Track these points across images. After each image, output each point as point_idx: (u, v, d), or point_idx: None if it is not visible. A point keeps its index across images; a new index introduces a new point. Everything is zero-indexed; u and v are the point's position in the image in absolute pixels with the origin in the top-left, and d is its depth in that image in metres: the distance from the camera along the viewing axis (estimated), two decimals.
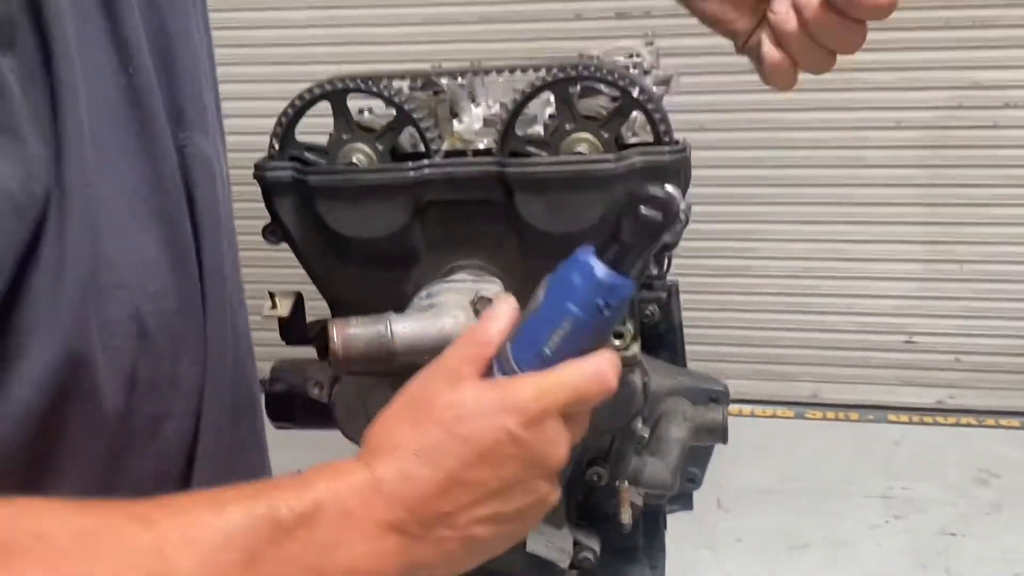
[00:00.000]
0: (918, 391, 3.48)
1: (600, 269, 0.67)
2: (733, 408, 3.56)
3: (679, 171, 0.81)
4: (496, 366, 0.69)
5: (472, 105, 1.11)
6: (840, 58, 0.82)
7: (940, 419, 3.48)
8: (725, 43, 0.85)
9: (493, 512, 0.66)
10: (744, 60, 0.85)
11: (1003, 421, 3.46)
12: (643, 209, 0.65)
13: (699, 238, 3.30)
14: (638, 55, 1.13)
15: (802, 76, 0.83)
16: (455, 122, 1.07)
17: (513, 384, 0.67)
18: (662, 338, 1.24)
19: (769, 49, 0.81)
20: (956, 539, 2.86)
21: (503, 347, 0.69)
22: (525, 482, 0.67)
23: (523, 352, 0.68)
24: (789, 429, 3.50)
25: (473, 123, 1.07)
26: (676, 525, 1.36)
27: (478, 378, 0.68)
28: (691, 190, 0.82)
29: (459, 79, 1.06)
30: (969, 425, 3.46)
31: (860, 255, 3.41)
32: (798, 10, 0.78)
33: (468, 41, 3.23)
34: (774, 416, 3.58)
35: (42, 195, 0.64)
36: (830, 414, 3.56)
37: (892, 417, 3.50)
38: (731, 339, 3.52)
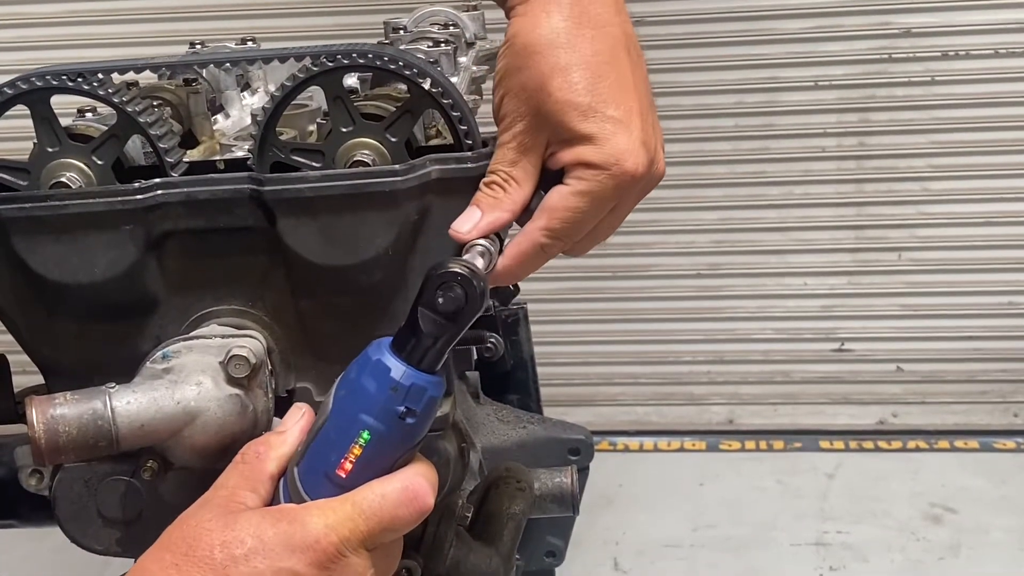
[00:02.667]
0: (854, 410, 3.56)
1: (397, 369, 0.67)
2: (632, 442, 3.62)
3: None
4: (282, 492, 0.69)
5: (245, 95, 1.10)
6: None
7: (882, 443, 3.57)
8: None
9: None
10: None
11: (958, 442, 3.55)
12: (439, 297, 0.66)
13: None
14: (455, 24, 1.13)
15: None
16: (220, 117, 1.05)
17: (300, 515, 0.67)
18: (509, 376, 1.24)
19: None
20: None
21: (290, 468, 0.69)
22: None
23: (313, 475, 0.69)
24: (700, 464, 3.55)
25: (244, 118, 1.06)
26: None
27: (258, 508, 0.68)
28: None
29: (227, 69, 1.04)
30: (918, 449, 3.54)
31: (776, 246, 3.48)
32: None
33: (242, 15, 3.20)
34: (681, 449, 3.62)
35: None
36: (749, 444, 3.62)
37: (824, 444, 3.57)
38: (623, 356, 3.55)
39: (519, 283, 1.10)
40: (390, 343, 0.68)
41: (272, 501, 0.69)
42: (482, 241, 0.70)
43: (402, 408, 0.67)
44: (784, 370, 3.56)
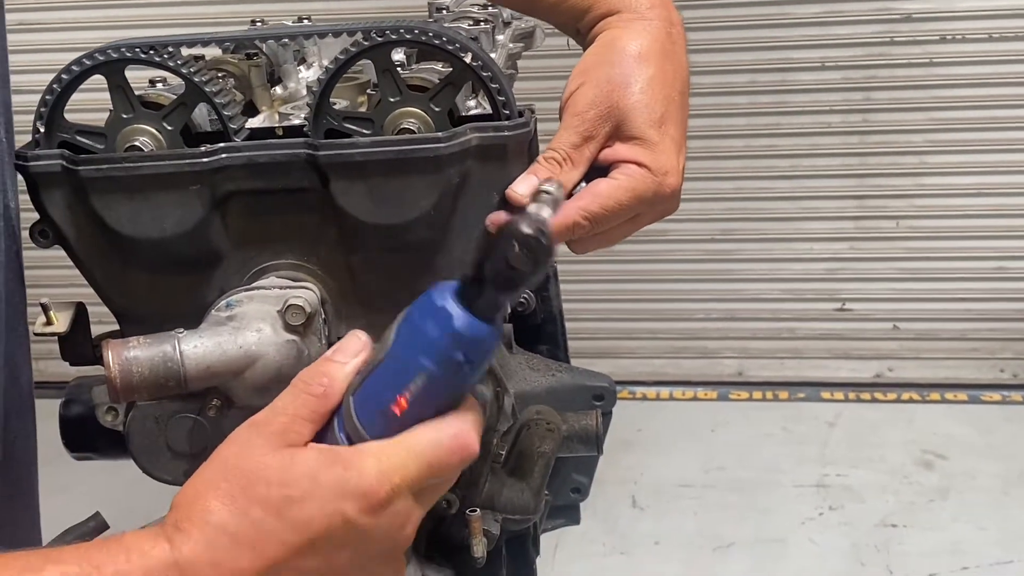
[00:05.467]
0: (853, 364, 3.55)
1: (460, 318, 0.64)
2: (647, 391, 3.61)
3: (523, 148, 0.81)
4: (336, 421, 0.67)
5: (301, 69, 1.09)
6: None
7: (879, 395, 3.57)
8: None
9: None
10: None
11: (949, 395, 3.54)
12: (512, 251, 0.62)
13: None
14: (492, 5, 1.12)
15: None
16: (278, 88, 1.05)
17: (356, 460, 0.65)
18: (540, 329, 1.23)
19: None
20: (898, 531, 2.93)
21: (346, 398, 0.67)
22: (362, 568, 0.67)
23: (367, 409, 0.66)
24: (711, 412, 3.55)
25: (300, 89, 1.05)
26: (587, 527, 1.36)
27: (310, 443, 0.67)
28: None
29: (285, 44, 1.04)
30: (911, 401, 3.54)
31: (784, 213, 3.46)
32: None
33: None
34: (694, 399, 3.63)
35: None
36: (756, 394, 3.62)
37: (825, 395, 3.57)
38: (643, 314, 3.55)
39: None
40: (454, 290, 0.65)
41: (326, 429, 0.67)
42: (549, 188, 0.67)
43: (460, 355, 0.64)
44: (790, 327, 3.55)
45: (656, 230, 3.66)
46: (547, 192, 0.65)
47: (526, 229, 0.62)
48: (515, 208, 0.75)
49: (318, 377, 0.68)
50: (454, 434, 0.66)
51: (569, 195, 0.79)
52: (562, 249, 0.72)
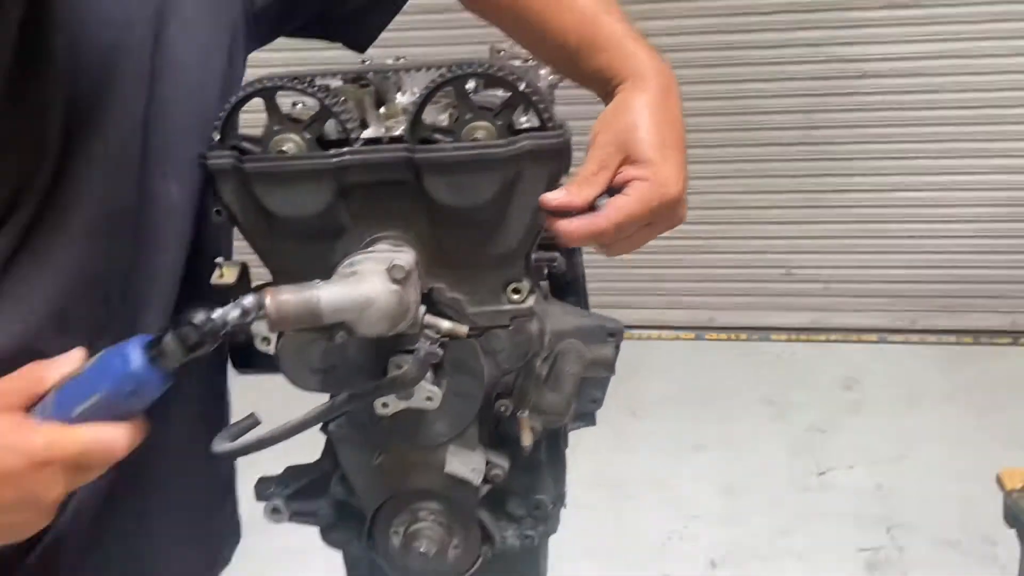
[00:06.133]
0: (795, 315, 3.53)
1: (137, 362, 0.65)
2: (640, 333, 3.59)
3: (561, 152, 0.80)
4: (40, 403, 0.68)
5: (399, 95, 1.09)
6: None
7: (813, 337, 3.54)
8: None
9: None
10: None
11: (864, 337, 3.52)
12: (178, 330, 0.66)
13: None
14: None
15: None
16: (382, 109, 1.04)
17: (34, 430, 0.66)
18: (569, 285, 1.22)
19: None
20: (824, 434, 2.92)
21: (51, 391, 0.68)
22: (16, 508, 0.67)
23: (62, 403, 0.67)
24: (690, 349, 3.55)
25: (399, 110, 1.05)
26: (596, 432, 1.36)
27: (19, 410, 0.68)
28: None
29: (387, 75, 1.03)
30: (837, 341, 3.51)
31: (748, 204, 3.43)
32: None
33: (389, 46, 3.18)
34: (677, 339, 3.62)
35: None
36: (723, 335, 3.61)
37: (774, 336, 3.56)
38: (643, 276, 3.55)
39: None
40: (144, 341, 0.66)
41: (32, 408, 0.68)
42: (246, 301, 0.69)
43: (129, 389, 0.66)
44: (749, 287, 3.54)
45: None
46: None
47: (188, 320, 0.65)
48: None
49: (37, 371, 0.69)
50: (108, 438, 0.67)
51: (591, 209, 0.79)
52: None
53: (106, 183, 0.79)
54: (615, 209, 0.79)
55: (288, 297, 0.72)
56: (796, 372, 3.26)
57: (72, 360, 0.70)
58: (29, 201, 0.75)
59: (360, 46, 1.08)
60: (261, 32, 0.96)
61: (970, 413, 2.90)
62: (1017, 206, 3.26)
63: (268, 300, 0.72)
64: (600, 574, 2.36)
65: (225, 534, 1.06)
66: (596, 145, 0.81)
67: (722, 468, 2.76)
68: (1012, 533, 1.31)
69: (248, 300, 0.69)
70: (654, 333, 3.58)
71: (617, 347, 1.08)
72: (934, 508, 2.50)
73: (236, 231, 0.85)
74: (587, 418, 1.22)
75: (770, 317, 3.54)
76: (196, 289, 0.88)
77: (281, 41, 1.03)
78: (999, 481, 1.32)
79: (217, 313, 0.67)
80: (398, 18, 1.08)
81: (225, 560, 1.05)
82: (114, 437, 0.67)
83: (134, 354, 0.65)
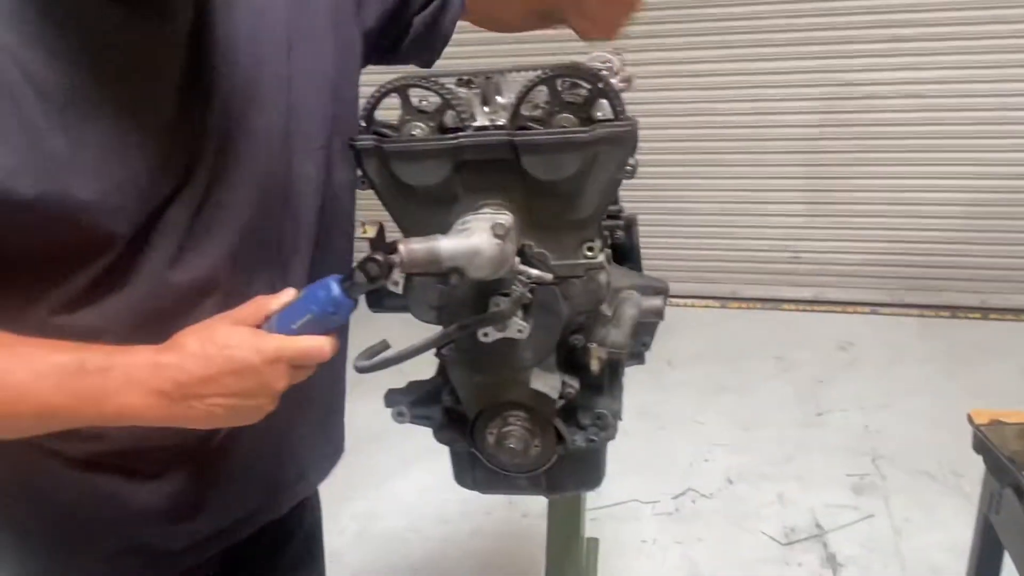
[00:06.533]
0: (800, 290, 3.49)
1: (336, 291, 0.71)
2: (677, 302, 3.58)
3: (630, 138, 0.79)
4: (266, 323, 0.73)
5: (498, 96, 1.10)
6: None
7: (816, 308, 3.48)
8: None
9: (228, 403, 0.70)
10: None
11: (858, 309, 3.45)
12: (364, 267, 0.73)
13: (649, 188, 3.30)
14: (609, 61, 1.11)
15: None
16: (486, 107, 1.05)
17: (267, 337, 0.71)
18: (627, 253, 1.23)
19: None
20: (824, 384, 2.88)
21: (274, 314, 0.73)
22: (252, 395, 0.71)
23: (283, 322, 0.72)
24: (716, 315, 3.51)
25: (500, 105, 1.06)
26: (640, 377, 1.36)
27: (252, 326, 0.72)
28: (646, 148, 0.81)
29: (489, 78, 1.04)
30: (835, 311, 3.44)
31: (764, 199, 3.39)
32: None
33: (500, 47, 3.17)
34: (707, 307, 3.58)
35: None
36: (743, 305, 3.57)
37: (784, 307, 3.50)
38: (680, 256, 3.53)
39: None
40: (339, 279, 0.72)
41: (260, 325, 0.74)
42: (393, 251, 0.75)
43: (331, 309, 0.72)
44: (764, 267, 3.48)
45: (682, 208, 3.62)
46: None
47: (370, 259, 0.70)
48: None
49: (263, 301, 0.74)
50: (319, 345, 0.72)
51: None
52: (641, 208, 0.71)
53: (262, 158, 0.83)
54: None
55: (416, 246, 0.74)
56: (801, 335, 3.22)
57: (287, 294, 0.76)
58: (202, 170, 0.79)
59: (427, 63, 1.08)
60: (368, 50, 0.97)
61: (944, 372, 2.84)
62: (989, 205, 3.16)
63: (402, 247, 0.73)
64: (642, 485, 2.39)
65: (341, 434, 1.12)
66: None
67: (739, 408, 2.75)
68: (978, 460, 1.30)
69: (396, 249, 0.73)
70: (687, 302, 3.56)
71: (665, 300, 1.09)
72: (912, 446, 2.46)
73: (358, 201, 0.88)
74: (638, 357, 1.22)
75: (780, 291, 3.49)
76: (327, 243, 0.92)
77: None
78: (969, 419, 1.30)
79: (382, 257, 0.72)
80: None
81: (341, 450, 1.12)
82: (322, 344, 0.73)
83: (334, 285, 0.72)
